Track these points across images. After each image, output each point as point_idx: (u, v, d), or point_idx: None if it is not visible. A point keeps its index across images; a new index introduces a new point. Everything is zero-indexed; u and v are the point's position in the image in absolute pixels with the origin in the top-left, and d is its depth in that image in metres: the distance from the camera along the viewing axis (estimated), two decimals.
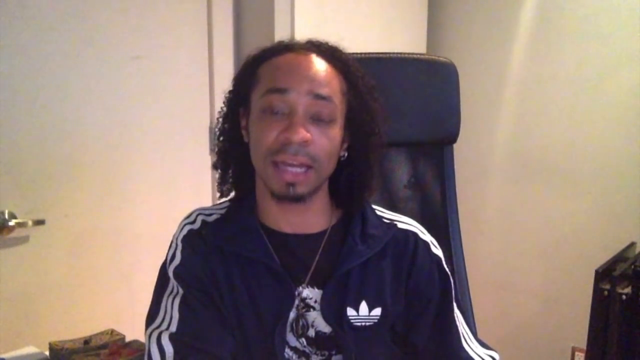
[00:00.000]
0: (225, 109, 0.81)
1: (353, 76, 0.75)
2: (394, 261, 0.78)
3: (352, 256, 0.75)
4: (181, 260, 0.76)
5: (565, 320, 2.02)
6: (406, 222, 0.83)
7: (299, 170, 0.70)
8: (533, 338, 2.12)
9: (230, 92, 0.81)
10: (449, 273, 0.81)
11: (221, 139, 0.81)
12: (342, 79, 0.74)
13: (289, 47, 0.75)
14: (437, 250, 0.82)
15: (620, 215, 1.90)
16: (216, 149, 0.83)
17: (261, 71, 0.75)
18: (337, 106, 0.72)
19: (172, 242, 0.80)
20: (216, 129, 0.83)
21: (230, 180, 0.82)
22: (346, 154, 0.78)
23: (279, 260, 0.75)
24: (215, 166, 0.82)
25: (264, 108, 0.71)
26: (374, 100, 0.77)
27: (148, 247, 1.58)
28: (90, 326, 1.14)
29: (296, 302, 0.74)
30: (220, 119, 0.82)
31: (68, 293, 1.44)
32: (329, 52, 0.75)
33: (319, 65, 0.72)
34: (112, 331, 1.08)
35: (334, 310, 0.74)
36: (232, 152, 0.80)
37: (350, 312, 0.74)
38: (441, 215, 1.08)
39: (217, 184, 0.83)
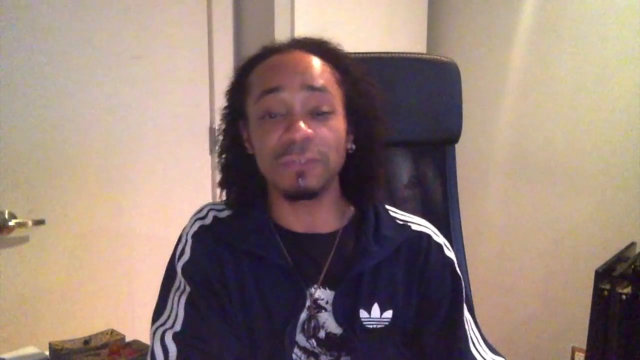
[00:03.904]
0: (223, 125, 0.80)
1: (343, 65, 0.74)
2: (407, 263, 0.77)
3: (365, 258, 0.74)
4: (190, 257, 0.75)
5: (565, 320, 2.02)
6: (420, 224, 0.82)
7: (304, 162, 0.69)
8: (533, 338, 2.12)
9: (225, 107, 0.79)
10: (461, 276, 0.80)
11: (223, 155, 0.80)
12: (334, 69, 0.73)
13: (274, 50, 0.74)
14: (450, 253, 0.81)
15: (620, 215, 1.90)
16: (219, 167, 0.81)
17: (251, 79, 0.74)
18: (335, 96, 0.71)
19: (181, 236, 0.78)
20: (217, 147, 0.81)
21: (237, 193, 0.80)
22: (354, 146, 0.77)
23: (291, 260, 0.74)
24: (220, 184, 0.81)
25: (260, 113, 0.70)
26: (371, 86, 0.77)
27: (148, 247, 1.58)
28: (90, 326, 1.14)
29: (308, 302, 0.73)
30: (220, 136, 0.80)
31: (68, 293, 1.44)
32: (316, 46, 0.74)
33: (308, 59, 0.71)
34: (112, 331, 1.08)
35: (345, 312, 0.73)
36: (237, 166, 0.79)
37: (363, 314, 0.73)
38: (442, 216, 1.08)
39: (225, 198, 0.81)
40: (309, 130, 0.68)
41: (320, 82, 0.70)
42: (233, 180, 0.80)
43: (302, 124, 0.67)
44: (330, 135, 0.70)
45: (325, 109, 0.70)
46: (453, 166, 1.10)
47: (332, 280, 0.74)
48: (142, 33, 1.55)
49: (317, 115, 0.70)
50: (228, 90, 0.79)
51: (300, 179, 0.69)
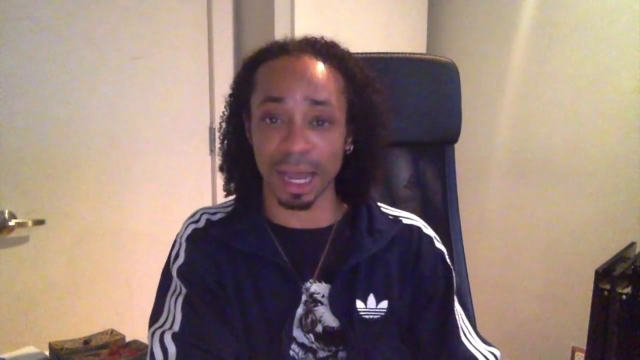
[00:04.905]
0: (227, 112, 0.81)
1: (351, 71, 0.75)
2: (400, 255, 0.79)
3: (359, 250, 0.76)
4: (185, 260, 0.76)
5: (565, 320, 2.02)
6: (410, 218, 0.84)
7: (303, 180, 0.71)
8: (533, 338, 2.12)
9: (230, 95, 0.81)
10: (452, 267, 0.82)
11: (225, 141, 0.82)
12: (340, 76, 0.74)
13: (283, 49, 0.74)
14: (440, 245, 0.83)
15: (620, 215, 1.90)
16: (220, 151, 0.83)
17: (258, 76, 0.75)
18: (336, 108, 0.72)
19: (175, 241, 0.79)
20: (219, 132, 0.83)
21: (236, 180, 0.82)
22: (352, 147, 0.78)
23: (286, 257, 0.75)
24: (220, 168, 0.83)
25: (262, 117, 0.71)
26: (375, 92, 0.77)
27: (148, 247, 1.58)
28: (90, 326, 1.14)
29: (304, 297, 0.74)
30: (223, 123, 0.82)
31: (68, 293, 1.44)
32: (325, 50, 0.75)
33: (314, 68, 0.72)
34: (112, 331, 1.08)
35: (342, 304, 0.74)
36: (237, 153, 0.81)
37: (359, 304, 0.74)
38: (442, 215, 1.08)
39: (223, 183, 0.83)
40: (307, 145, 0.69)
41: (323, 95, 0.70)
42: (233, 166, 0.82)
43: (300, 137, 0.69)
44: (327, 148, 0.71)
45: (325, 120, 0.71)
46: (452, 166, 1.11)
47: (328, 273, 0.75)
48: (143, 34, 1.55)
49: (317, 125, 0.71)
50: (234, 81, 0.80)
51: (296, 199, 0.71)
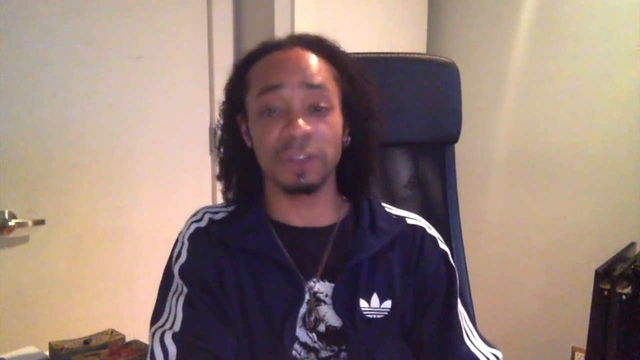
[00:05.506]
0: (221, 119, 0.82)
1: (341, 61, 0.76)
2: (403, 254, 0.78)
3: (362, 248, 0.76)
4: (187, 259, 0.76)
5: (565, 320, 2.02)
6: (414, 218, 0.84)
7: (305, 159, 0.71)
8: (533, 338, 2.12)
9: (224, 102, 0.81)
10: (455, 268, 0.82)
11: (222, 149, 0.82)
12: (331, 65, 0.75)
13: (274, 46, 0.75)
14: (444, 246, 0.83)
15: (620, 215, 1.90)
16: (218, 160, 0.83)
17: (251, 75, 0.75)
18: (332, 92, 0.73)
19: (177, 239, 0.79)
20: (216, 141, 0.83)
21: (236, 186, 0.82)
22: (349, 140, 0.79)
23: (289, 255, 0.75)
24: (219, 177, 0.83)
25: (260, 109, 0.72)
26: (367, 82, 0.79)
27: (148, 247, 1.58)
28: (90, 326, 1.14)
29: (307, 296, 0.74)
30: (219, 130, 0.82)
31: (68, 293, 1.44)
32: (314, 43, 0.76)
33: (307, 57, 0.73)
34: (112, 331, 1.08)
35: (345, 303, 0.74)
36: (235, 160, 0.81)
37: (362, 303, 0.74)
38: (442, 215, 1.08)
39: (222, 193, 0.83)
40: (309, 127, 0.70)
41: (318, 79, 0.72)
42: (232, 172, 0.82)
43: (301, 121, 0.69)
44: (327, 131, 0.72)
45: (323, 105, 0.72)
46: (452, 166, 1.11)
47: (331, 272, 0.75)
48: (143, 33, 1.55)
49: (315, 111, 0.71)
50: (227, 85, 0.80)
51: (301, 178, 0.71)
